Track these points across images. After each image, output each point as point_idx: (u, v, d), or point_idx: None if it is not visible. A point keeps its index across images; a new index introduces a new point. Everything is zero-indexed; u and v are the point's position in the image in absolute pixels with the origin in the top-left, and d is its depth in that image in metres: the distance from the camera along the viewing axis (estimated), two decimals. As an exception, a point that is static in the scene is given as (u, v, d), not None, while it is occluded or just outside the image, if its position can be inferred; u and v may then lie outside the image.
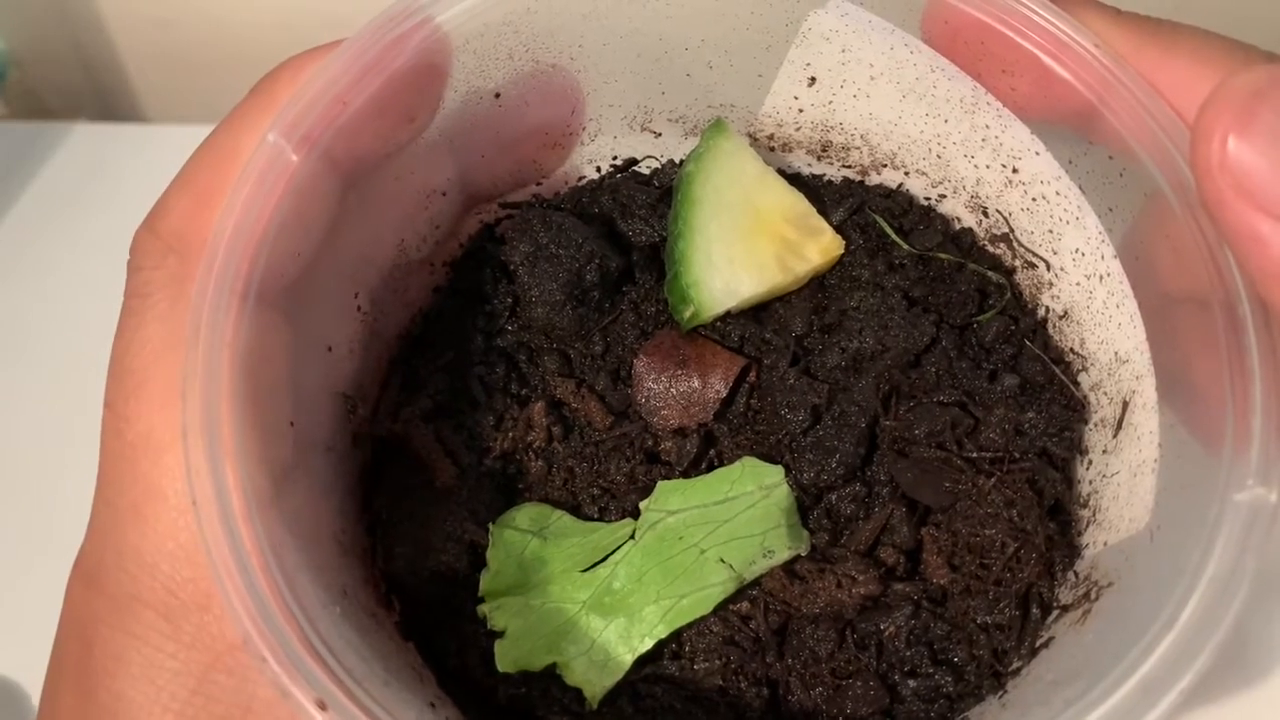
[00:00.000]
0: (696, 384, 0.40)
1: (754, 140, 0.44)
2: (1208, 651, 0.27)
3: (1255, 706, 0.47)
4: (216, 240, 0.31)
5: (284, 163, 0.32)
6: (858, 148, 0.43)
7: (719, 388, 0.40)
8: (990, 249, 0.42)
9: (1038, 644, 0.36)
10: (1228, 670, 0.44)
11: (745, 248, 0.41)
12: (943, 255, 0.42)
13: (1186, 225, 0.31)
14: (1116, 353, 0.37)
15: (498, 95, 0.40)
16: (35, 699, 0.59)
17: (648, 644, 0.36)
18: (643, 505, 0.38)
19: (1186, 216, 0.31)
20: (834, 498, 0.39)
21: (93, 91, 0.90)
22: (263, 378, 0.32)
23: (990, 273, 0.41)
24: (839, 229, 0.42)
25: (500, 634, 0.37)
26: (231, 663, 0.31)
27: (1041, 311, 0.41)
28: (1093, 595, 0.34)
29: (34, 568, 0.61)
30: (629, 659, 0.36)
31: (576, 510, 0.39)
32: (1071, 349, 0.40)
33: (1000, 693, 0.35)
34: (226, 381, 0.30)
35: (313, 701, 0.29)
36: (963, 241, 0.43)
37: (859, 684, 0.36)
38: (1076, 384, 0.39)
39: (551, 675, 0.37)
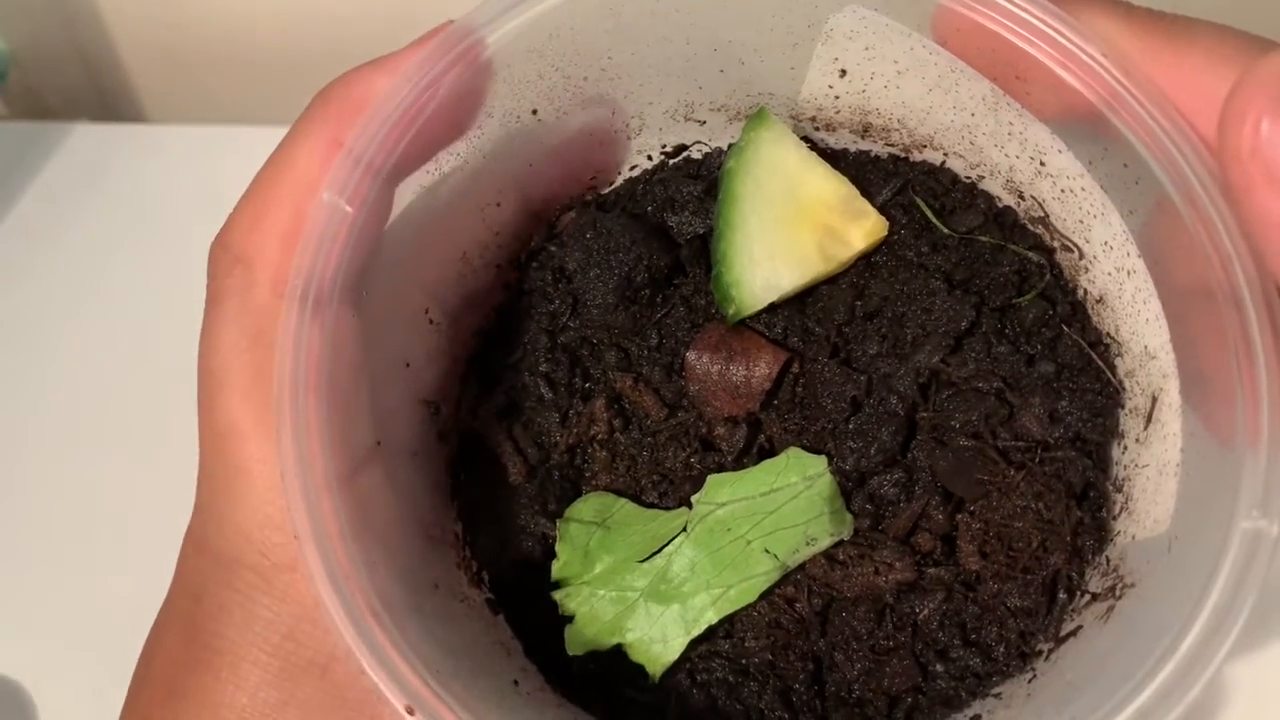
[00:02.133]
0: (743, 375, 0.43)
1: (797, 122, 0.45)
2: (1207, 672, 0.29)
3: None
4: (293, 259, 0.35)
5: (340, 214, 0.36)
6: (897, 129, 0.43)
7: (764, 379, 0.42)
8: (1031, 228, 0.42)
9: (1064, 631, 0.38)
10: (1220, 694, 0.44)
11: (787, 239, 0.42)
12: (984, 238, 0.42)
13: (1195, 234, 0.31)
14: (1146, 347, 0.37)
15: (535, 112, 0.42)
16: (35, 699, 0.61)
17: (700, 628, 0.40)
18: (694, 499, 0.41)
19: (1196, 225, 0.31)
20: (876, 482, 0.41)
21: (93, 91, 0.89)
22: (338, 372, 0.36)
23: (1031, 254, 0.41)
24: (884, 209, 0.43)
25: (570, 619, 0.41)
26: (317, 615, 0.35)
27: (1080, 293, 0.41)
28: (1118, 591, 0.36)
29: (34, 569, 0.64)
30: (684, 640, 0.40)
31: (638, 496, 0.43)
32: (1108, 333, 0.40)
33: (1030, 675, 0.38)
34: (311, 378, 0.34)
35: (403, 706, 0.33)
36: (1005, 220, 0.43)
37: (896, 661, 0.39)
38: (1113, 369, 0.39)
39: (619, 653, 0.41)
